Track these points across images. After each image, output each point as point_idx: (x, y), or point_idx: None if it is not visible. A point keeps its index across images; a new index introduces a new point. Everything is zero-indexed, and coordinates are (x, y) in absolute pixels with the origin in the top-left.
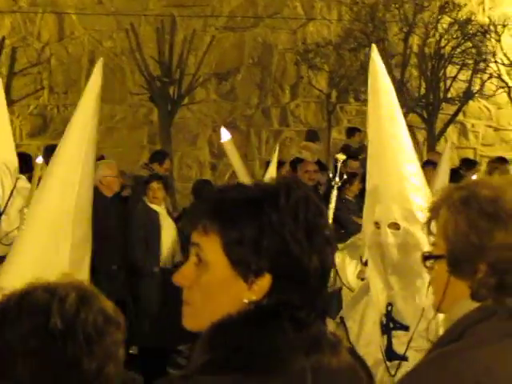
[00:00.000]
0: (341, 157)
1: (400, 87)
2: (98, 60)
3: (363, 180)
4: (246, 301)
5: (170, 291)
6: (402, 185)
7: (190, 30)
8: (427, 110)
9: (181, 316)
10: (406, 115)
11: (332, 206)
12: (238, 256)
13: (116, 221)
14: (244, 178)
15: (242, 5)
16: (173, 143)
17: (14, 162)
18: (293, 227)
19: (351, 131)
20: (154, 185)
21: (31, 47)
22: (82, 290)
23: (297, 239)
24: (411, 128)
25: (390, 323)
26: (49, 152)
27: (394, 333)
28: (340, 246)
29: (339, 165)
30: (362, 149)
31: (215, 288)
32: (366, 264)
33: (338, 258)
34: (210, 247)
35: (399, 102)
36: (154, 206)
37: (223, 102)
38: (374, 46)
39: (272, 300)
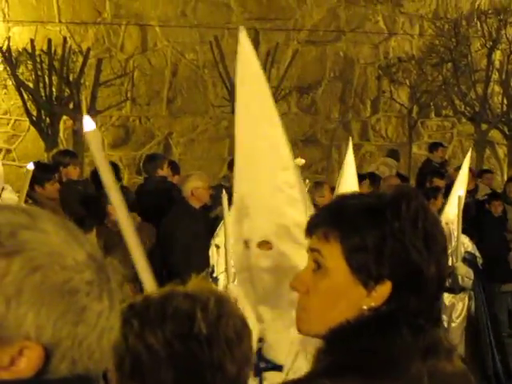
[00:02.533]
0: (298, 162)
1: (482, 103)
2: (180, 72)
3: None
4: (365, 307)
5: None
6: (274, 196)
7: (272, 43)
8: (509, 126)
9: None
10: (488, 131)
11: None
12: (359, 263)
13: (204, 231)
14: (105, 174)
15: (324, 18)
16: None
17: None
18: (413, 235)
19: (434, 146)
20: None
21: (115, 59)
22: (218, 296)
23: (417, 247)
24: (492, 144)
25: (261, 363)
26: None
27: (265, 374)
28: None
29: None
30: (445, 164)
31: (334, 294)
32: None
33: None
34: (331, 253)
35: (482, 117)
36: None
37: (304, 116)
38: (241, 27)
39: (391, 307)
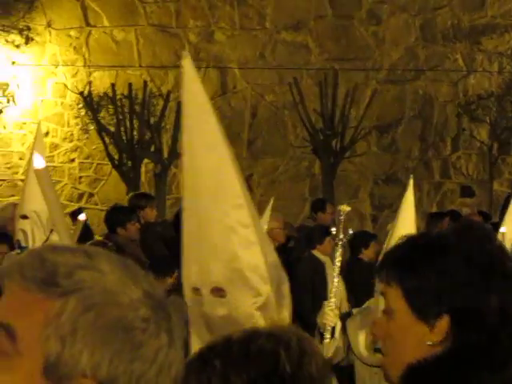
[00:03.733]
0: (344, 208)
1: None
2: (260, 113)
3: None
4: (429, 343)
5: None
6: (226, 237)
7: (351, 83)
8: None
9: None
10: None
11: (337, 265)
12: (419, 302)
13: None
14: (54, 209)
15: (402, 57)
16: (335, 195)
17: (47, 212)
18: (467, 269)
19: None
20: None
21: None
22: (300, 335)
23: (471, 281)
24: None
25: None
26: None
27: None
28: (354, 310)
29: (342, 218)
30: None
31: (401, 335)
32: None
33: (350, 326)
34: (394, 296)
35: None
36: (321, 257)
37: (384, 155)
38: (185, 52)
39: (455, 341)
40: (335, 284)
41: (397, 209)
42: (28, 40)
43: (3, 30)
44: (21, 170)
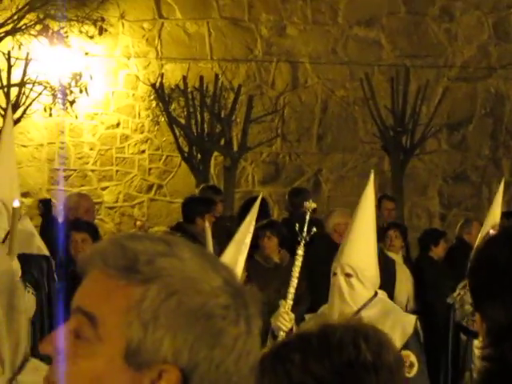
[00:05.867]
0: (310, 205)
1: None
2: (330, 109)
3: None
4: None
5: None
6: None
7: (423, 80)
8: None
9: None
10: None
11: (298, 264)
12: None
13: None
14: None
15: (475, 55)
16: (404, 192)
17: (13, 200)
18: None
19: None
20: (392, 233)
21: (265, 95)
22: (374, 326)
23: None
24: None
25: None
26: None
27: None
28: (307, 316)
29: (308, 215)
30: None
31: None
32: None
33: None
34: None
35: None
36: (390, 254)
37: (454, 153)
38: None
39: None
40: (294, 284)
41: (466, 207)
42: (101, 31)
43: (77, 21)
44: (91, 161)
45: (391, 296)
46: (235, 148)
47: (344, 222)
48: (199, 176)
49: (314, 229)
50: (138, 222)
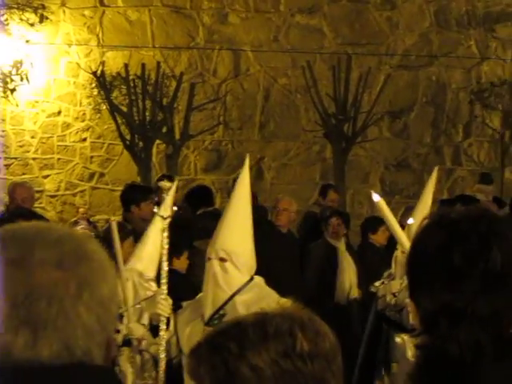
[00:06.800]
0: (165, 184)
1: None
2: (272, 97)
3: None
4: None
5: (343, 329)
6: None
7: (364, 68)
8: None
9: None
10: None
11: (165, 247)
12: None
13: (289, 254)
14: None
15: (416, 43)
16: (346, 180)
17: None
18: None
19: None
20: (334, 220)
21: (208, 83)
22: (309, 314)
23: None
24: None
25: None
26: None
27: None
28: (185, 303)
29: (165, 195)
30: None
31: None
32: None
33: (179, 319)
34: None
35: None
36: (333, 242)
37: (396, 141)
38: None
39: None
40: (165, 269)
41: (408, 195)
42: (42, 19)
43: (18, 8)
44: (32, 149)
45: (334, 284)
46: (177, 136)
47: (287, 209)
48: (141, 164)
49: (175, 208)
50: (81, 210)
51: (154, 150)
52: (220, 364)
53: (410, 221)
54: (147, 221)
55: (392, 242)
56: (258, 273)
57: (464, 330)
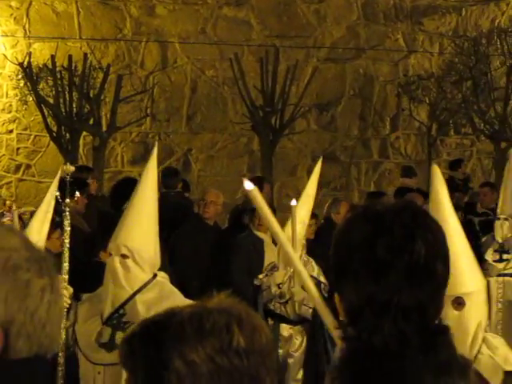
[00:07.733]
0: (68, 168)
1: (502, 121)
2: (200, 89)
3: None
4: None
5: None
6: None
7: (292, 60)
8: None
9: None
10: (507, 149)
11: (67, 231)
12: None
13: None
14: None
15: (344, 36)
16: (273, 173)
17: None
18: None
19: (456, 163)
20: None
21: (135, 75)
22: (247, 309)
23: None
24: None
25: None
26: None
27: None
28: (84, 295)
29: (68, 179)
30: (468, 179)
31: None
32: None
33: (79, 313)
34: None
35: (501, 135)
36: (259, 234)
37: (323, 133)
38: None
39: None
40: (66, 257)
41: (335, 187)
42: None
43: None
44: None
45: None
46: (104, 128)
47: (214, 201)
48: (68, 156)
49: (77, 193)
50: (8, 202)
51: (81, 141)
52: (154, 356)
53: (294, 202)
54: (81, 213)
55: (319, 234)
56: (184, 265)
57: (389, 322)
